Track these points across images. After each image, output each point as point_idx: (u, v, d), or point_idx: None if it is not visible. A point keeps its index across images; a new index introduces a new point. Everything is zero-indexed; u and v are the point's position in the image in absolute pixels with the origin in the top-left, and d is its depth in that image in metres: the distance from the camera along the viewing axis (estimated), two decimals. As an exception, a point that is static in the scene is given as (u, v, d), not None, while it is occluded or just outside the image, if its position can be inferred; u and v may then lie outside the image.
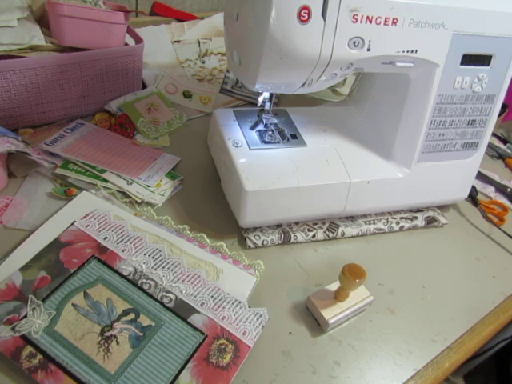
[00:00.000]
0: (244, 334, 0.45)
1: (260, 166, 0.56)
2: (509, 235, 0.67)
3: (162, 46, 0.93)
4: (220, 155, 0.62)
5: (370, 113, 0.66)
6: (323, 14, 0.44)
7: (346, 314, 0.50)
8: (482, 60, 0.56)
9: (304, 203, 0.57)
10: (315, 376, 0.46)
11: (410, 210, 0.67)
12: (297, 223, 0.61)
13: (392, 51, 0.50)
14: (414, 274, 0.59)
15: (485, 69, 0.56)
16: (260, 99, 0.60)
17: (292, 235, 0.59)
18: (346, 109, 0.70)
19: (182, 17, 1.04)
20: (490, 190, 0.77)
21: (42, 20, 0.70)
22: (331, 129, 0.64)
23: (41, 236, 0.51)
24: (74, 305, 0.45)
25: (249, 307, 0.48)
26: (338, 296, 0.50)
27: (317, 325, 0.50)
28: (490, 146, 0.88)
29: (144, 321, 0.45)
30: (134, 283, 0.48)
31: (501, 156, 0.87)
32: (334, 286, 0.51)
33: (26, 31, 0.66)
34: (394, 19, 0.47)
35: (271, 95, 0.59)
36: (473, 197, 0.72)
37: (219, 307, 0.47)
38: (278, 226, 0.60)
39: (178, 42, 0.95)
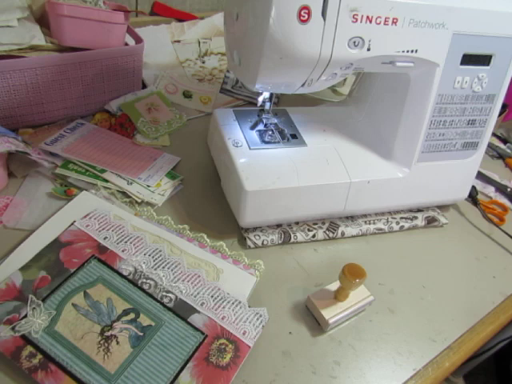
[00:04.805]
0: (244, 333, 0.45)
1: (260, 166, 0.56)
2: (509, 235, 0.67)
3: (161, 46, 0.93)
4: (220, 155, 0.62)
5: (369, 113, 0.66)
6: (323, 14, 0.44)
7: (346, 314, 0.50)
8: (482, 60, 0.56)
9: (304, 203, 0.57)
10: (315, 376, 0.46)
11: (410, 210, 0.67)
12: (297, 223, 0.61)
13: (392, 51, 0.50)
14: (414, 274, 0.59)
15: (485, 69, 0.56)
16: (260, 99, 0.60)
17: (292, 235, 0.59)
18: (346, 109, 0.70)
19: (182, 17, 1.04)
20: (490, 190, 0.77)
21: (42, 20, 0.70)
22: (331, 129, 0.64)
23: (41, 236, 0.51)
24: (74, 305, 0.45)
25: (249, 307, 0.48)
26: (338, 296, 0.50)
27: (317, 325, 0.50)
28: (490, 145, 0.88)
29: (144, 321, 0.45)
30: (134, 283, 0.48)
31: (501, 156, 0.87)
32: (334, 286, 0.51)
33: (26, 31, 0.66)
34: (393, 19, 0.47)
35: (271, 95, 0.59)
36: (473, 197, 0.72)
37: (219, 307, 0.47)
38: (278, 225, 0.60)
39: (178, 41, 0.95)
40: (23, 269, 0.47)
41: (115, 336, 0.43)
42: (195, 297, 0.48)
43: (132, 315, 0.45)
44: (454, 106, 0.58)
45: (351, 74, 0.55)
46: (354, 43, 0.47)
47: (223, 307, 0.47)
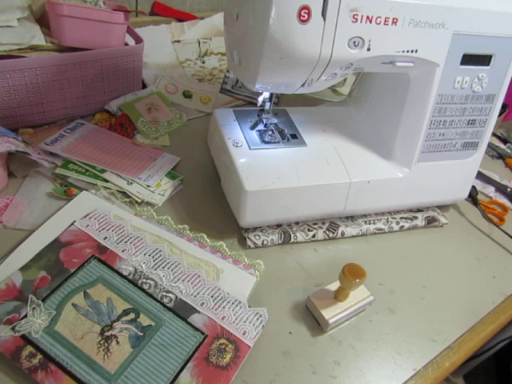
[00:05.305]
0: (244, 333, 0.45)
1: (260, 166, 0.56)
2: (509, 235, 0.67)
3: (161, 46, 0.93)
4: (220, 155, 0.62)
5: (369, 113, 0.66)
6: (323, 14, 0.44)
7: (346, 314, 0.50)
8: (482, 60, 0.56)
9: (304, 203, 0.57)
10: (315, 376, 0.46)
11: (410, 210, 0.67)
12: (297, 223, 0.61)
13: (392, 51, 0.50)
14: (414, 274, 0.59)
15: (485, 69, 0.56)
16: (260, 99, 0.60)
17: (292, 235, 0.59)
18: (346, 109, 0.70)
19: (181, 17, 1.04)
20: (490, 190, 0.77)
21: (42, 20, 0.70)
22: (331, 129, 0.64)
23: (41, 236, 0.51)
24: (74, 305, 0.45)
25: (249, 307, 0.48)
26: (338, 296, 0.50)
27: (317, 325, 0.50)
28: (490, 145, 0.88)
29: (144, 321, 0.45)
30: (134, 283, 0.48)
31: (501, 156, 0.87)
32: (334, 286, 0.51)
33: (26, 31, 0.66)
34: (393, 19, 0.47)
35: (271, 95, 0.59)
36: (473, 197, 0.72)
37: (219, 307, 0.47)
38: (278, 225, 0.60)
39: (178, 41, 0.95)
40: (23, 269, 0.47)
41: (115, 336, 0.43)
42: (195, 297, 0.48)
43: (132, 315, 0.45)
44: (454, 106, 0.58)
45: (351, 74, 0.55)
46: (354, 43, 0.47)
47: (223, 307, 0.47)
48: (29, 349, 0.41)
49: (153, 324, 0.45)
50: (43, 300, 0.45)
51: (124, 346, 0.43)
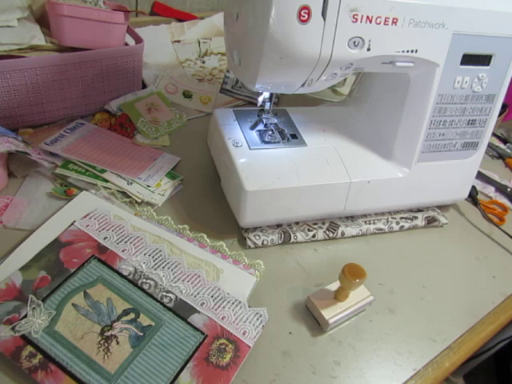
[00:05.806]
0: (244, 333, 0.45)
1: (260, 166, 0.56)
2: (509, 235, 0.67)
3: (161, 46, 0.93)
4: (220, 155, 0.62)
5: (369, 113, 0.66)
6: (323, 14, 0.44)
7: (346, 314, 0.50)
8: (482, 60, 0.56)
9: (304, 203, 0.57)
10: (315, 376, 0.46)
11: (410, 210, 0.67)
12: (297, 223, 0.61)
13: (392, 51, 0.50)
14: (414, 274, 0.59)
15: (485, 69, 0.56)
16: (260, 99, 0.60)
17: (292, 235, 0.59)
18: (346, 109, 0.70)
19: (182, 17, 1.04)
20: (490, 190, 0.77)
21: (42, 20, 0.70)
22: (331, 129, 0.64)
23: (41, 236, 0.51)
24: (74, 305, 0.45)
25: (249, 307, 0.48)
26: (338, 296, 0.50)
27: (317, 325, 0.50)
28: (490, 145, 0.88)
29: (144, 321, 0.45)
30: (134, 283, 0.48)
31: (501, 156, 0.87)
32: (334, 286, 0.51)
33: (26, 31, 0.66)
34: (393, 19, 0.47)
35: (271, 95, 0.59)
36: (473, 197, 0.72)
37: (219, 307, 0.47)
38: (278, 225, 0.60)
39: (178, 41, 0.95)
40: (23, 269, 0.47)
41: (115, 336, 0.43)
42: (195, 297, 0.48)
43: (132, 315, 0.45)
44: (454, 106, 0.58)
45: (351, 74, 0.55)
46: (354, 43, 0.47)
47: (223, 307, 0.47)
48: (29, 349, 0.41)
49: (153, 324, 0.45)
50: (43, 300, 0.45)
51: (124, 346, 0.43)
